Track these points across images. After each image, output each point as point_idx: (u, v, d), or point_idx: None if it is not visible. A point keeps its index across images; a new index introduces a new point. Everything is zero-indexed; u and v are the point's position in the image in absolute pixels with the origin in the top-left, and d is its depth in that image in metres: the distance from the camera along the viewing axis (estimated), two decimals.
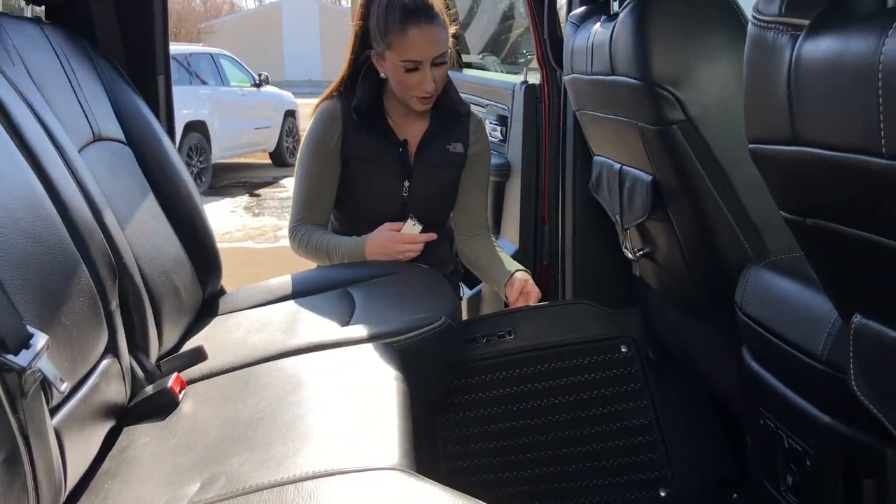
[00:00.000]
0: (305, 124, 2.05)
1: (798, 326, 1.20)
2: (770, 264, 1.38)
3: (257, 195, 8.77)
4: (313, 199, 1.88)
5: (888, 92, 0.63)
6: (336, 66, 2.05)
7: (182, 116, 8.45)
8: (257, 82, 10.29)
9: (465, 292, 2.76)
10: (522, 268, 1.88)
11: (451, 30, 1.83)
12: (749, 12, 1.50)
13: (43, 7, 1.78)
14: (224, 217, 7.54)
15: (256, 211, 7.90)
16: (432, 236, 1.82)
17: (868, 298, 0.83)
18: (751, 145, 0.90)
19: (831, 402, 1.14)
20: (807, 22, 0.76)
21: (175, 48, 9.38)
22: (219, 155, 9.30)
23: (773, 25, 0.80)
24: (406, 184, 1.84)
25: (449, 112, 1.86)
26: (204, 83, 9.29)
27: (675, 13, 1.45)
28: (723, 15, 1.44)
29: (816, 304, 1.17)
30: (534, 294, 1.80)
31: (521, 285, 1.80)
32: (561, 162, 2.22)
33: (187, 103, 8.65)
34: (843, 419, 1.12)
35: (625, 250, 1.85)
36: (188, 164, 8.54)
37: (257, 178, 9.88)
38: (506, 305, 1.84)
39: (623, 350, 1.92)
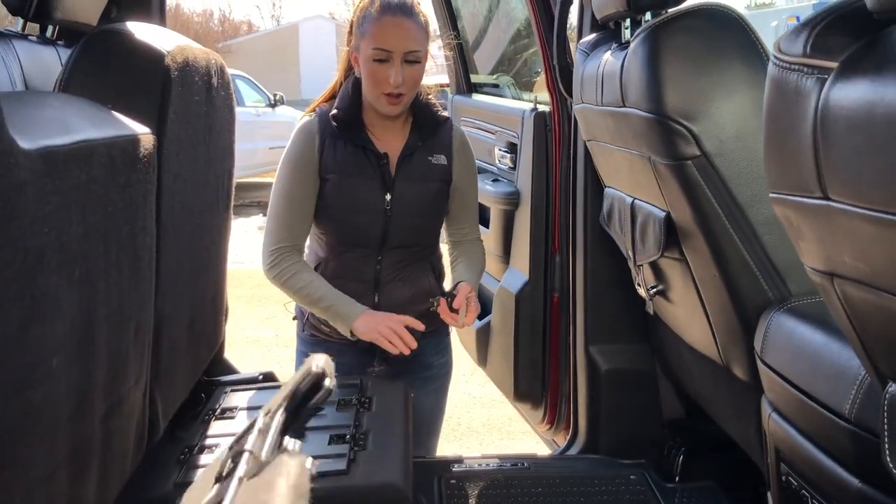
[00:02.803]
0: None
1: (823, 381, 1.11)
2: (792, 309, 1.29)
3: None
4: (291, 222, 1.80)
5: None
6: None
7: None
8: (272, 102, 10.32)
9: (475, 322, 2.69)
10: (472, 280, 1.85)
11: (444, 51, 1.79)
12: (767, 41, 1.44)
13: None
14: (236, 238, 7.50)
15: None
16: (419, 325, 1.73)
17: None
18: (772, 194, 0.83)
19: (861, 465, 1.06)
20: (835, 65, 0.68)
21: None
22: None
23: (796, 67, 0.72)
24: (388, 197, 1.77)
25: (428, 122, 1.81)
26: None
27: (690, 43, 1.37)
28: (740, 45, 1.37)
29: (844, 357, 1.09)
30: (472, 309, 1.74)
31: (466, 293, 1.74)
32: (572, 192, 2.14)
33: None
34: (874, 484, 1.04)
35: (638, 287, 1.76)
36: None
37: None
38: (450, 306, 1.73)
39: (632, 478, 1.95)
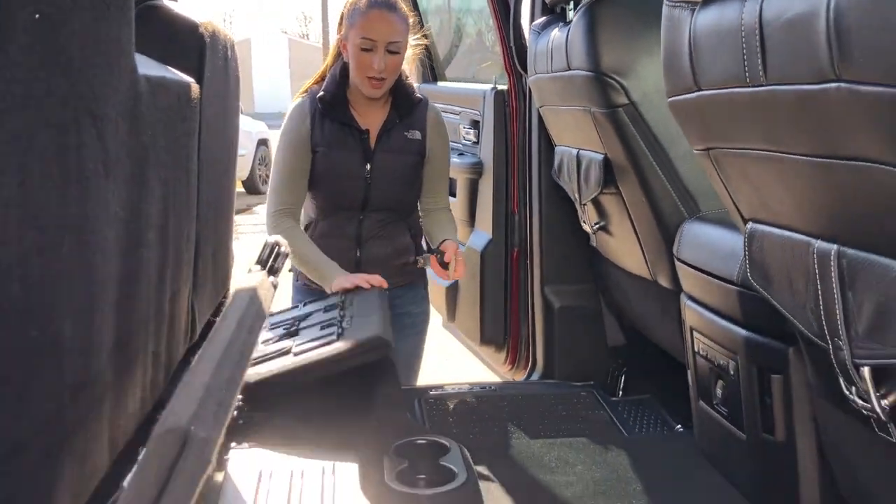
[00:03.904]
0: None
1: (720, 260, 1.48)
2: (700, 218, 1.67)
3: None
4: (288, 189, 2.09)
5: (748, 44, 0.91)
6: None
7: None
8: None
9: (442, 282, 3.01)
10: (455, 239, 2.13)
11: (421, 40, 2.11)
12: None
13: None
14: None
15: None
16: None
17: (756, 206, 1.11)
18: (669, 99, 1.19)
19: (744, 317, 1.42)
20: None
21: None
22: None
23: (679, 4, 1.09)
24: (367, 167, 2.07)
25: (405, 101, 2.11)
26: None
27: (621, 14, 1.75)
28: (660, 15, 1.75)
29: (734, 241, 1.46)
30: (461, 263, 2.03)
31: (454, 250, 2.03)
32: (527, 157, 2.50)
33: None
34: (756, 331, 1.40)
35: (583, 224, 2.12)
36: None
37: None
38: (441, 262, 2.02)
39: (583, 394, 2.26)
